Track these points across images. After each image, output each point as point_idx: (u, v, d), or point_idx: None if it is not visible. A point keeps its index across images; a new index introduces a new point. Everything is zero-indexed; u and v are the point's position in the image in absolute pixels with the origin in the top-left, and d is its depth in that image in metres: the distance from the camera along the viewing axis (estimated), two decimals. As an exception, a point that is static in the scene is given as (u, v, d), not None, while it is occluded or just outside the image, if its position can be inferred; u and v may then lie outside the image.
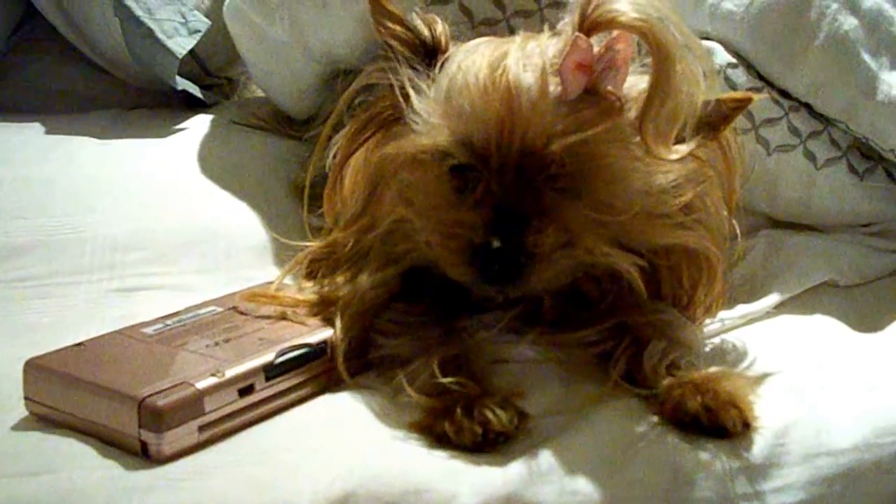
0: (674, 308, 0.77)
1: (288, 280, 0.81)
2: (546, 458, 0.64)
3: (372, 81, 0.77)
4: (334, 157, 0.79)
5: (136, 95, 1.27)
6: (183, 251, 0.91)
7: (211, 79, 1.28)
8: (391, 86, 0.75)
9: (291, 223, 0.95)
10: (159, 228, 0.93)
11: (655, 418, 0.68)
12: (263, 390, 0.68)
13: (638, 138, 0.69)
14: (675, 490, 0.63)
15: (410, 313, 0.77)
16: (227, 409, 0.65)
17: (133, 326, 0.74)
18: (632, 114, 0.70)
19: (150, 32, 1.12)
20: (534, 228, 0.68)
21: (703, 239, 0.75)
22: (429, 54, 0.75)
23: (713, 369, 0.71)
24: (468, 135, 0.69)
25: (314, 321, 0.76)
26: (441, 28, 0.76)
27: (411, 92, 0.73)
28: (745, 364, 0.76)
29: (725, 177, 0.77)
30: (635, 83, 0.71)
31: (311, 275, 0.82)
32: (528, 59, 0.69)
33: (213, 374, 0.65)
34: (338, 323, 0.74)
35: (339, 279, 0.79)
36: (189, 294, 0.84)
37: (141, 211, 0.94)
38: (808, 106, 0.93)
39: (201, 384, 0.64)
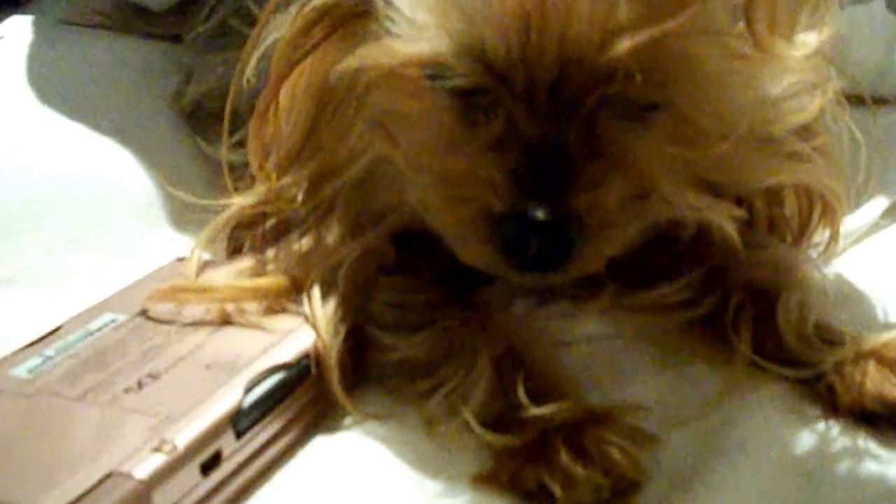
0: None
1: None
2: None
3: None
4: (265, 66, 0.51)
5: None
6: (26, 221, 0.62)
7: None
8: None
9: (183, 162, 0.67)
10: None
11: (820, 414, 0.46)
12: (235, 455, 0.41)
13: (739, 27, 0.45)
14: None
15: (410, 290, 0.52)
16: (188, 501, 0.39)
17: (-9, 367, 0.45)
18: None
19: None
20: (587, 180, 0.44)
21: (824, 175, 0.52)
22: None
23: (893, 333, 0.49)
24: (478, 39, 0.43)
25: (275, 320, 0.49)
26: None
27: None
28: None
29: None
30: None
31: (237, 248, 0.55)
32: None
33: (156, 449, 0.38)
34: (320, 316, 0.48)
35: (296, 248, 0.52)
36: (50, 289, 0.57)
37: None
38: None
39: (141, 470, 0.37)
